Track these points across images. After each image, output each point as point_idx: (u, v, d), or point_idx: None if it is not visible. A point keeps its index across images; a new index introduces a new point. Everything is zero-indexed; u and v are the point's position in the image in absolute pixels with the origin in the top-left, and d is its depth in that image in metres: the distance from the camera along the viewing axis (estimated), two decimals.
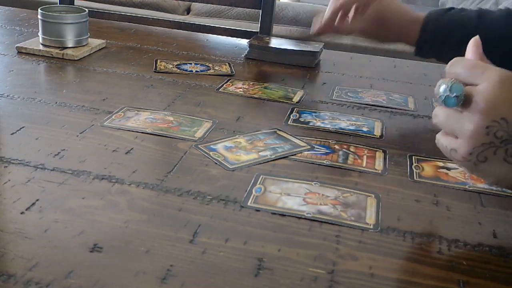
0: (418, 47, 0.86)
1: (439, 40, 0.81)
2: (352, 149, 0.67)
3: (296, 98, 0.83)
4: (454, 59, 0.53)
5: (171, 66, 0.93)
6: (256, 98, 0.82)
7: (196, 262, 0.44)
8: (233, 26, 1.37)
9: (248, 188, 0.56)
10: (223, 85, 0.86)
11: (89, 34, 0.98)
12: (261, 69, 0.97)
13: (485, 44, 0.64)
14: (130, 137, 0.65)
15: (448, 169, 0.64)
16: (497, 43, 0.77)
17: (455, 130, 0.51)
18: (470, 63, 0.51)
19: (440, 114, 0.53)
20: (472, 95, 0.49)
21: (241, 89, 0.85)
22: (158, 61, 0.95)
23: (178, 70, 0.91)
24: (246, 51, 1.03)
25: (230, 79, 0.89)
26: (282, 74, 0.96)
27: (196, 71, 0.92)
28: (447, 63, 0.53)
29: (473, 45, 0.53)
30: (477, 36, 0.54)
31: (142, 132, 0.66)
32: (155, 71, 0.89)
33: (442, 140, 0.53)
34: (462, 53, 0.54)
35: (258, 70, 0.97)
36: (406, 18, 0.86)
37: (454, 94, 0.49)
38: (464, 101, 0.49)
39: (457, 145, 0.50)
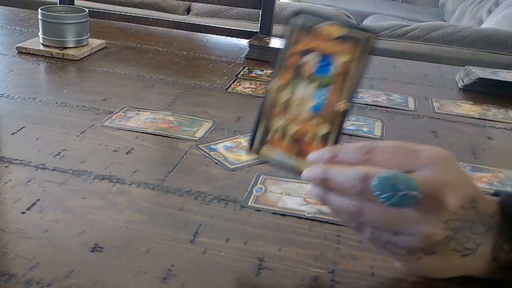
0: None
1: None
2: None
3: None
4: (366, 147, 0.42)
5: None
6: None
7: (196, 262, 0.44)
8: (233, 26, 1.37)
9: (249, 188, 0.56)
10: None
11: (89, 34, 0.98)
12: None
13: None
14: (131, 137, 0.65)
15: None
16: None
17: (399, 229, 0.40)
18: (396, 147, 0.42)
19: (371, 212, 0.40)
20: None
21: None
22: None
23: None
24: (246, 51, 1.03)
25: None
26: None
27: None
28: None
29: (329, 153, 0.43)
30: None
31: (143, 132, 0.66)
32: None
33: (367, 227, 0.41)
34: None
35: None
36: None
37: (413, 194, 0.38)
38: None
39: (401, 241, 0.40)
